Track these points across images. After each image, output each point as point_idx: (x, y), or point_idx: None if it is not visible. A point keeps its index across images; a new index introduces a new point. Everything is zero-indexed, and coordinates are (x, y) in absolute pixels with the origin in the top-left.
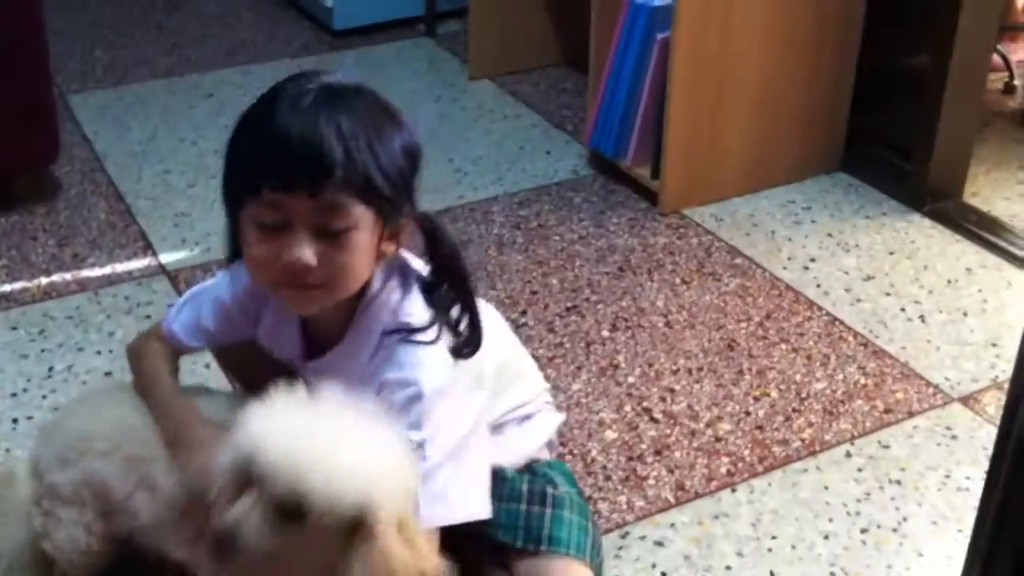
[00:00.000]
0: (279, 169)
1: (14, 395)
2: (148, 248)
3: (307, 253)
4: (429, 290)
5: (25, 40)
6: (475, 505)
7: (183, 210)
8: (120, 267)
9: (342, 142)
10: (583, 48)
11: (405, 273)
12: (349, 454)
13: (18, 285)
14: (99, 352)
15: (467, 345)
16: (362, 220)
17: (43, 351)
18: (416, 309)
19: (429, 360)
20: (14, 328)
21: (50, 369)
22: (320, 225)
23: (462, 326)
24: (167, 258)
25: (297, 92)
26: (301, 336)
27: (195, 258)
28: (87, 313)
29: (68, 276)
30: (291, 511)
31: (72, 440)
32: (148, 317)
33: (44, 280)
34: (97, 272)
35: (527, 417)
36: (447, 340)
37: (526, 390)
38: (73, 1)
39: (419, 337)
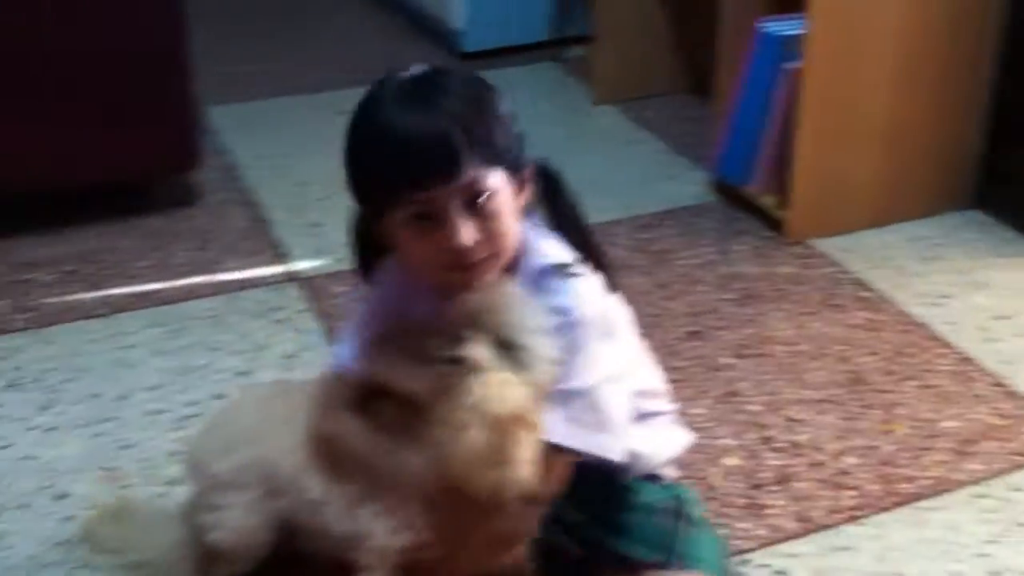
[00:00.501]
0: (413, 173)
1: (151, 389)
2: (282, 255)
3: (467, 234)
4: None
5: (171, 52)
6: (610, 444)
7: (316, 220)
8: (255, 272)
9: (457, 123)
10: (708, 75)
11: (530, 220)
12: (539, 322)
13: (158, 285)
14: (233, 352)
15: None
16: (500, 184)
17: (180, 349)
18: (555, 248)
19: (582, 289)
20: (153, 326)
21: (185, 366)
22: (466, 203)
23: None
24: (300, 266)
25: (393, 91)
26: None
27: (327, 267)
28: (222, 314)
29: (205, 279)
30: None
31: (234, 431)
32: (279, 321)
33: (183, 282)
34: (233, 276)
35: (651, 415)
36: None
37: (649, 378)
38: (218, 17)
39: (569, 271)
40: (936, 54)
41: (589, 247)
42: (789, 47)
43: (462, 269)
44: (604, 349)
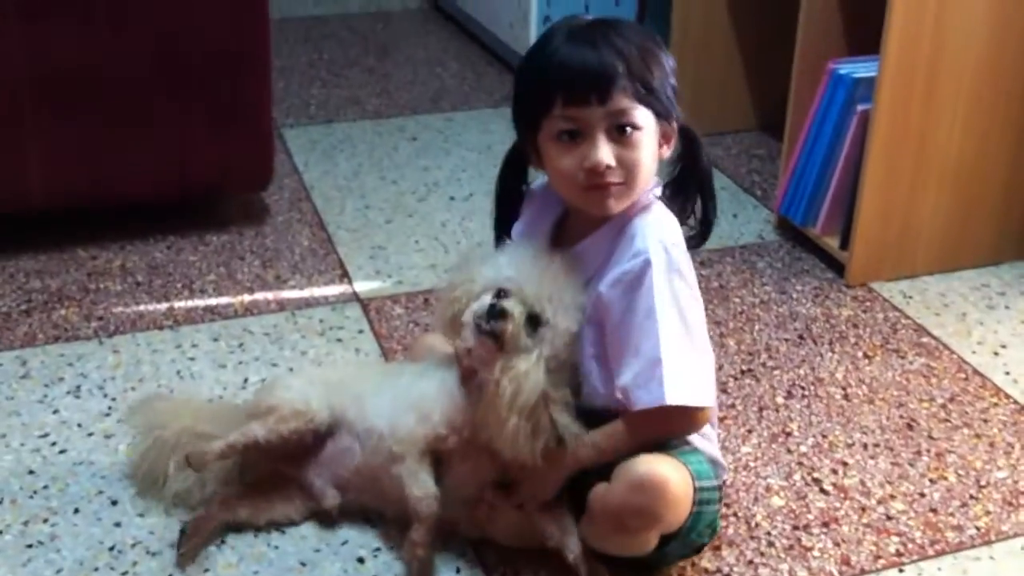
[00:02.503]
0: (571, 85)
1: (209, 401)
2: (345, 276)
3: (606, 153)
4: (676, 186)
5: (252, 73)
6: (704, 391)
7: (380, 243)
8: (317, 291)
9: (621, 57)
10: (779, 114)
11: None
12: (570, 291)
13: (223, 300)
14: (291, 368)
15: (694, 237)
16: (646, 121)
17: (240, 363)
18: (656, 191)
19: (661, 229)
20: (216, 339)
21: (245, 380)
22: (612, 128)
23: (693, 220)
24: (361, 287)
25: (572, 27)
26: (552, 231)
27: (387, 289)
28: (283, 331)
29: (269, 295)
30: (532, 319)
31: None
32: (340, 340)
33: (247, 297)
34: (296, 294)
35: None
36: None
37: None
38: (295, 40)
39: (655, 209)
40: (1009, 100)
41: (707, 217)
42: (862, 88)
43: (596, 188)
44: (684, 292)
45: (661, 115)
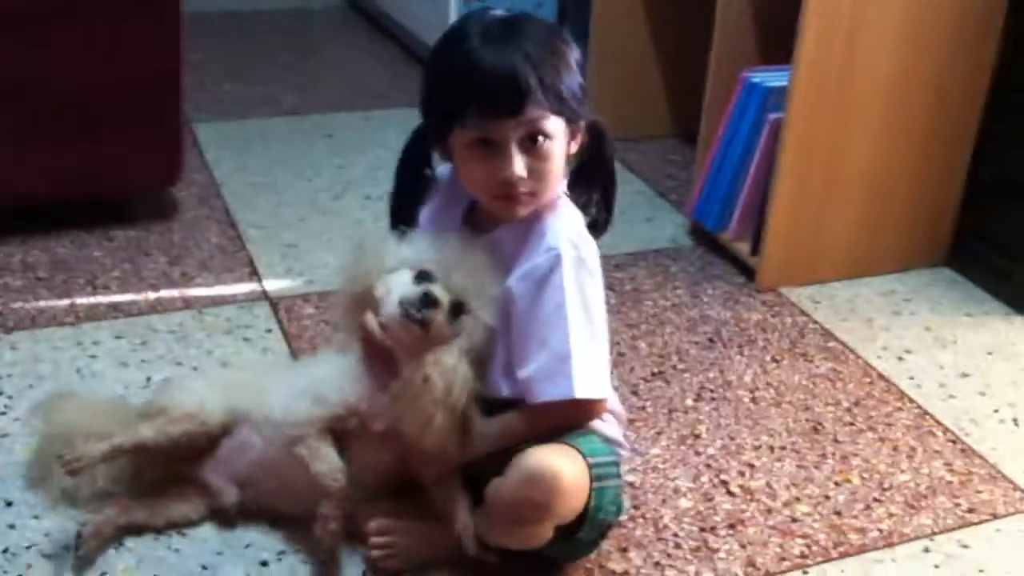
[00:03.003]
0: (483, 99)
1: (109, 399)
2: (254, 274)
3: (519, 166)
4: (580, 176)
5: (164, 67)
6: (605, 384)
7: (291, 241)
8: (226, 289)
9: (532, 67)
10: (694, 121)
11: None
12: (491, 284)
13: (127, 297)
14: (196, 367)
15: (597, 226)
16: (557, 129)
17: (143, 361)
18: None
19: (570, 226)
20: (119, 337)
21: (148, 379)
22: (524, 139)
23: (595, 211)
24: (271, 285)
25: (486, 24)
26: (463, 218)
27: (298, 288)
28: (189, 330)
29: (175, 293)
30: (455, 307)
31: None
32: (247, 340)
33: (152, 295)
34: (203, 292)
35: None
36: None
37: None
38: (210, 34)
39: (562, 205)
40: (920, 113)
41: (608, 206)
42: (774, 98)
43: (506, 198)
44: (589, 285)
45: (571, 120)
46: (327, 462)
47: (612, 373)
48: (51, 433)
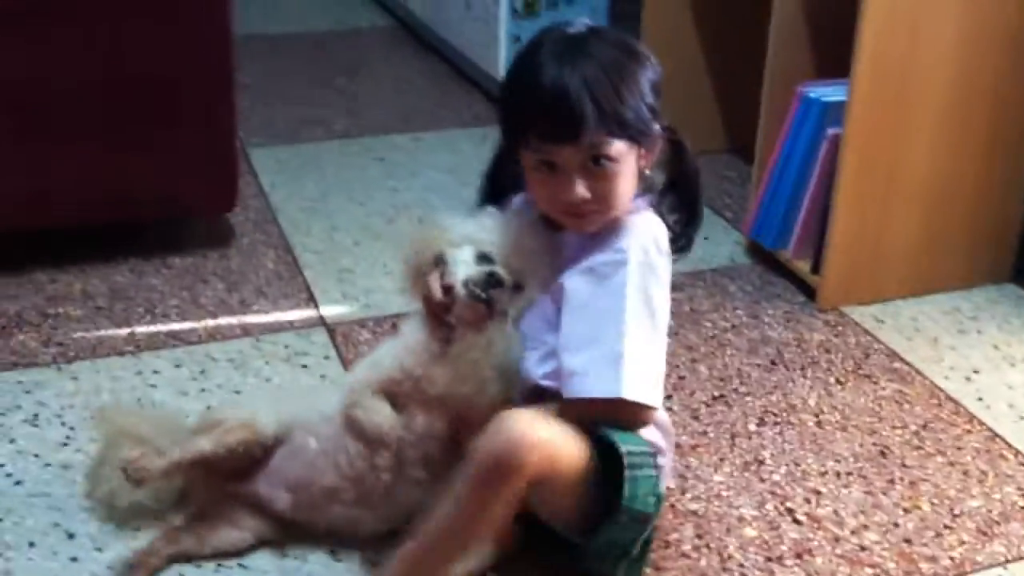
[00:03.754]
0: (540, 125)
1: (165, 416)
2: (311, 300)
3: (579, 192)
4: (664, 191)
5: (216, 93)
6: (658, 392)
7: (347, 266)
8: (283, 316)
9: (590, 93)
10: (748, 137)
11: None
12: (542, 266)
13: (186, 325)
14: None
15: (679, 244)
16: (621, 151)
17: (202, 391)
18: (641, 200)
19: (646, 232)
20: (178, 366)
21: (208, 408)
22: (587, 161)
23: (678, 227)
24: (328, 311)
25: (555, 40)
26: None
27: (354, 313)
28: (248, 358)
29: (233, 320)
30: (516, 287)
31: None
32: (305, 367)
33: (211, 322)
34: (261, 319)
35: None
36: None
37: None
38: (261, 59)
39: (643, 214)
40: (980, 126)
41: (691, 211)
42: (832, 113)
43: (571, 215)
44: (655, 290)
45: (636, 140)
46: (382, 414)
47: (671, 397)
48: (107, 441)
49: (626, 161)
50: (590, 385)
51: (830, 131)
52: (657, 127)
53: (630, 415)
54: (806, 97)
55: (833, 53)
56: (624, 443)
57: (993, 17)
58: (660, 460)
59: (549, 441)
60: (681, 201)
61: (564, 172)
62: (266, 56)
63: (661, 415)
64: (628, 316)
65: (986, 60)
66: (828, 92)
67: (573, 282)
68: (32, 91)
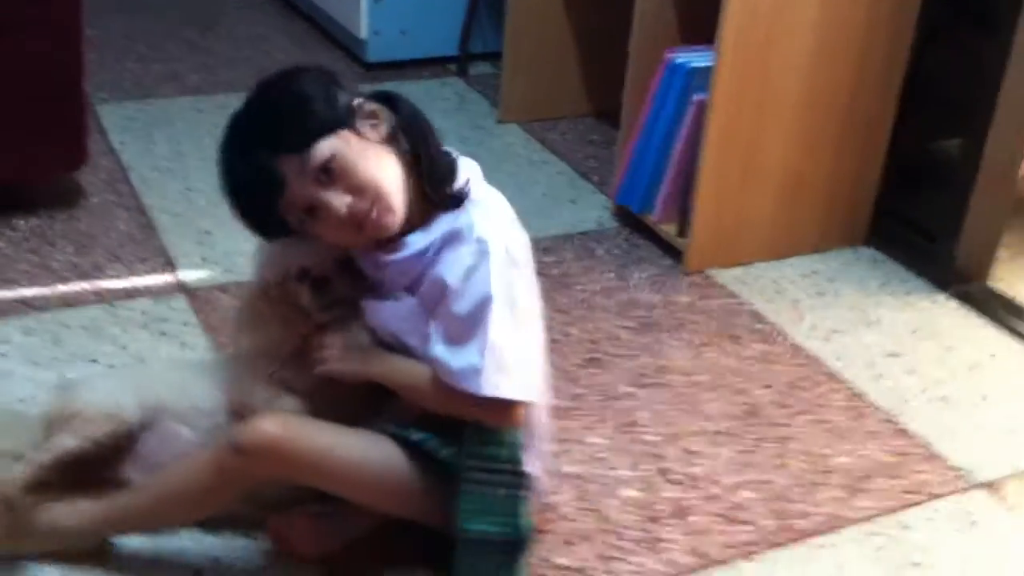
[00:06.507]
0: (249, 213)
1: (21, 400)
2: (168, 264)
3: (339, 203)
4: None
5: (62, 47)
6: (523, 386)
7: (206, 228)
8: (139, 281)
9: (271, 155)
10: (614, 101)
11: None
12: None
13: (36, 291)
14: (111, 365)
15: (441, 175)
16: (335, 145)
17: (55, 359)
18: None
19: (493, 217)
20: (28, 334)
21: (60, 378)
22: (319, 179)
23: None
24: (187, 276)
25: (227, 141)
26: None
27: (215, 278)
28: (103, 324)
29: (87, 285)
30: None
31: None
32: (164, 334)
33: (62, 288)
34: (116, 284)
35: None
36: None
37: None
38: (108, 12)
39: (479, 197)
40: (841, 92)
41: (427, 142)
42: (698, 78)
43: (363, 229)
44: (513, 277)
45: (333, 130)
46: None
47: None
48: None
49: (349, 149)
50: (456, 379)
51: (696, 97)
52: (351, 101)
53: (495, 412)
54: (672, 63)
55: (699, 19)
56: (446, 456)
57: None
58: (526, 469)
59: (292, 448)
60: (418, 146)
61: (315, 206)
62: (113, 8)
63: (537, 414)
64: (493, 311)
65: (848, 27)
66: (694, 58)
67: (434, 279)
68: None
